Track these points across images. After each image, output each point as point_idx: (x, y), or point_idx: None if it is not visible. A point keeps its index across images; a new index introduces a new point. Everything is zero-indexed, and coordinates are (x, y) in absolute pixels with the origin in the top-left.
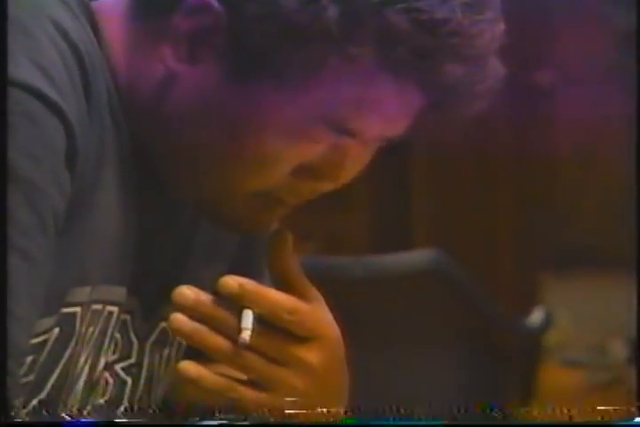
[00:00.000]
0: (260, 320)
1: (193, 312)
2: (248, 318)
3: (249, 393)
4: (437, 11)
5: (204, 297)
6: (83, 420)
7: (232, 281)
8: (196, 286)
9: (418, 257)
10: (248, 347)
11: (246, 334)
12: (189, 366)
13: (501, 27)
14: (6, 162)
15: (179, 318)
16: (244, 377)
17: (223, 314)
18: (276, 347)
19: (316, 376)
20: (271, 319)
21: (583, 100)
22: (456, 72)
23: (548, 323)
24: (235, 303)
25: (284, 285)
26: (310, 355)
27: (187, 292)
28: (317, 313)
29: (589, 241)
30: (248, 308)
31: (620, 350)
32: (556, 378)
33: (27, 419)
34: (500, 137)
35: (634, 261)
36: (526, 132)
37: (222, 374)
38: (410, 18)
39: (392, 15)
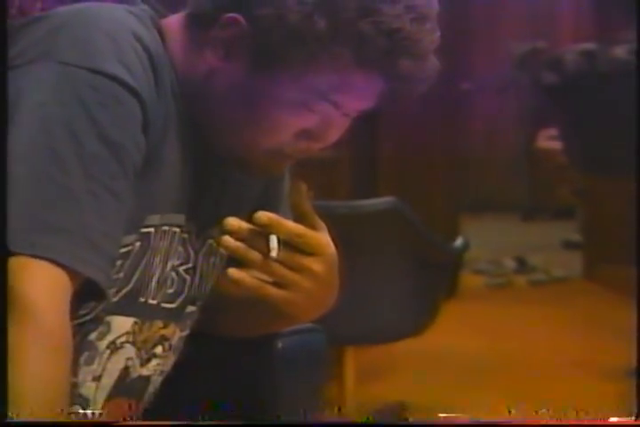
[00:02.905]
0: (282, 242)
1: (237, 235)
2: (274, 240)
3: (273, 291)
4: (394, 22)
5: (245, 225)
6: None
7: (263, 215)
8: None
9: (383, 202)
10: (274, 260)
11: (273, 252)
12: (234, 272)
13: (437, 34)
14: (99, 132)
15: (227, 239)
16: (270, 280)
17: (257, 237)
18: (293, 260)
19: (319, 280)
20: (288, 241)
21: (491, 100)
22: (406, 65)
23: (465, 246)
24: (264, 230)
25: (300, 218)
26: (315, 265)
27: (232, 221)
28: (320, 237)
29: (493, 192)
30: (273, 233)
31: (510, 264)
32: (468, 281)
33: (115, 300)
34: (436, 121)
35: (523, 207)
36: (454, 119)
37: (255, 277)
38: (375, 27)
39: (363, 25)
